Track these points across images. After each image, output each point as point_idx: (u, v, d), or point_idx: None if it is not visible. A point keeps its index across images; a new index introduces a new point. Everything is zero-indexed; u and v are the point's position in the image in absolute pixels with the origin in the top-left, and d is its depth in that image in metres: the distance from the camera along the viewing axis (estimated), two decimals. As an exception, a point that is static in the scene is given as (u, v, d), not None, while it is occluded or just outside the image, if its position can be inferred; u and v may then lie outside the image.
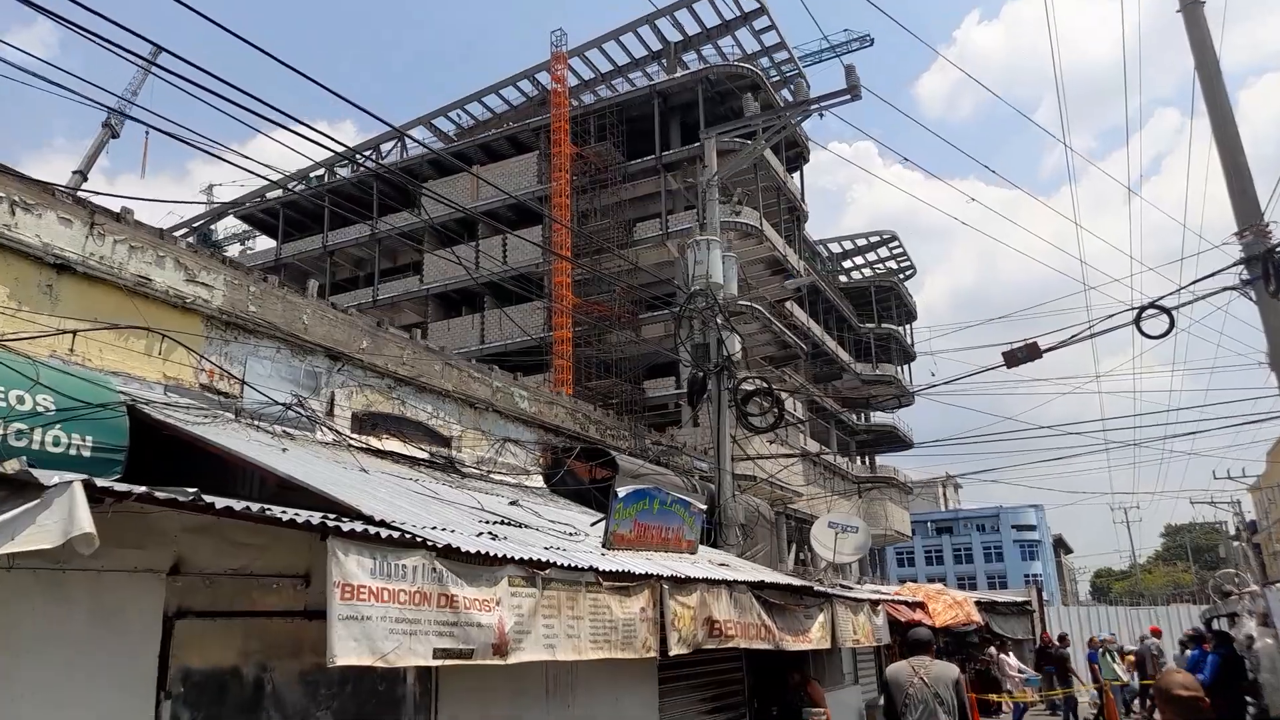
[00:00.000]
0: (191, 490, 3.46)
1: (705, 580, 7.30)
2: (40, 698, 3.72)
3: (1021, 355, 11.64)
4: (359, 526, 4.18)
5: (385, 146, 42.37)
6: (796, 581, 9.75)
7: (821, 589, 10.00)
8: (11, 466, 3.38)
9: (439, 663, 4.57)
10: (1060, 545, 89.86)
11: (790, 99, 35.97)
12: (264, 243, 47.26)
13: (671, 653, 6.69)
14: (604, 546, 7.05)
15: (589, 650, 5.76)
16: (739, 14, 35.66)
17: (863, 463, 49.02)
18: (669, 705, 8.32)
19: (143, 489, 3.29)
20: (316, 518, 4.01)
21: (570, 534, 7.36)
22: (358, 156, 30.99)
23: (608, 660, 6.04)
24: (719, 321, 12.64)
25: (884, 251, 51.57)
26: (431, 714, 5.65)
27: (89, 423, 5.52)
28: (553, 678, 6.71)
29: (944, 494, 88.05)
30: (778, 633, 8.44)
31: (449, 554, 4.75)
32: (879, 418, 49.98)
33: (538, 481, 11.26)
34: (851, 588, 13.53)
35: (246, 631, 4.60)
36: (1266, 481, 38.33)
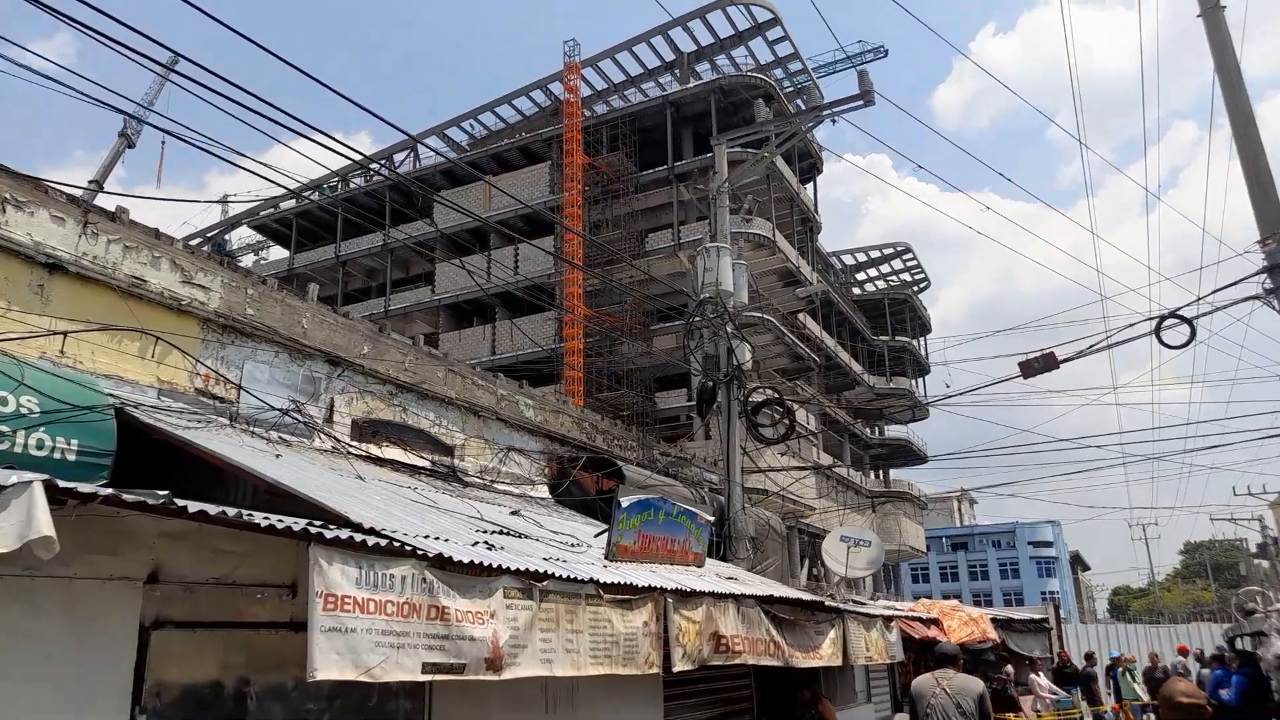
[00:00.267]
0: (163, 493, 3.28)
1: (711, 594, 7.07)
2: (6, 712, 3.54)
3: (1039, 365, 11.38)
4: (344, 534, 3.99)
5: (398, 157, 42.44)
6: (807, 596, 9.50)
7: (833, 604, 9.74)
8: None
9: (428, 677, 4.37)
10: (1077, 562, 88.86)
11: (804, 108, 35.90)
12: (277, 253, 47.40)
13: (675, 669, 6.46)
14: (606, 558, 6.84)
15: (588, 666, 5.54)
16: (753, 24, 35.59)
17: (877, 477, 48.58)
18: (674, 722, 8.09)
19: (109, 491, 3.11)
20: (299, 524, 3.82)
21: (572, 545, 7.15)
22: (371, 166, 31.04)
23: (610, 675, 5.82)
24: (729, 330, 12.42)
25: (898, 264, 51.28)
26: (425, 730, 5.44)
27: (75, 426, 5.36)
28: (552, 692, 6.48)
29: (959, 510, 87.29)
30: (787, 649, 8.19)
31: (441, 564, 4.56)
32: (893, 431, 49.57)
33: (543, 492, 11.06)
34: (864, 603, 13.24)
35: (228, 643, 4.40)
36: (1288, 498, 37.70)
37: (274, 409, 7.43)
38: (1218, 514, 42.29)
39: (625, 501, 7.00)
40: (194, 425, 6.30)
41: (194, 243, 41.50)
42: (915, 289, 51.12)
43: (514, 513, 8.14)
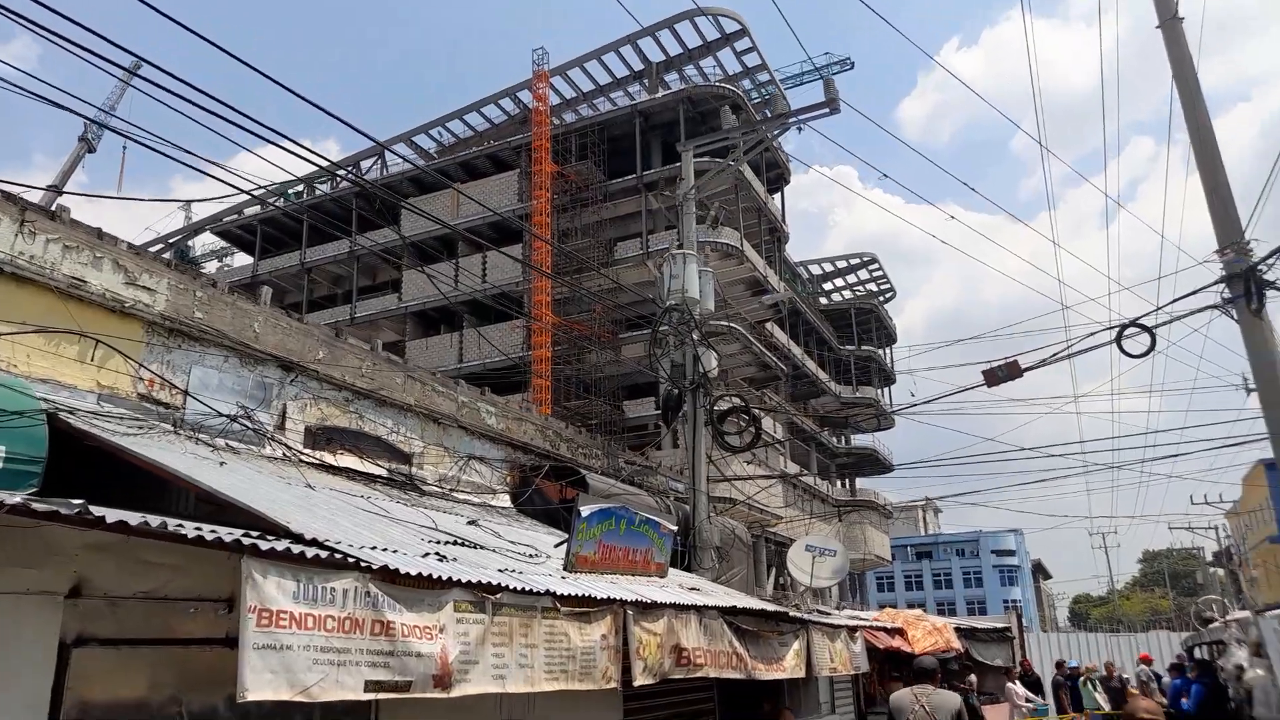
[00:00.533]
0: (78, 502, 3.07)
1: (673, 605, 6.92)
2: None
3: (1002, 374, 11.37)
4: (281, 545, 3.79)
5: (365, 164, 42.03)
6: (771, 607, 9.37)
7: (797, 615, 9.62)
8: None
9: (371, 696, 4.17)
10: (1039, 570, 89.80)
11: (770, 117, 36.03)
12: (241, 259, 46.73)
13: (636, 683, 6.30)
14: (565, 569, 6.66)
15: (543, 681, 5.36)
16: (721, 35, 35.71)
17: (843, 486, 48.75)
18: (635, 737, 7.91)
19: (16, 499, 2.90)
20: (231, 534, 3.62)
21: (530, 556, 6.97)
22: (338, 173, 30.67)
23: (568, 690, 5.65)
24: (694, 337, 12.31)
25: (864, 274, 51.61)
26: (372, 749, 5.22)
27: (4, 432, 5.11)
28: (507, 706, 6.28)
29: (924, 518, 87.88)
30: (750, 661, 8.05)
31: (387, 576, 4.37)
32: (859, 440, 49.81)
33: (505, 501, 10.85)
34: (829, 613, 13.16)
35: (158, 661, 4.17)
36: (1244, 506, 38.29)
37: (221, 415, 7.18)
38: (1176, 523, 42.88)
39: (585, 510, 6.83)
40: (133, 432, 6.05)
41: (156, 249, 40.86)
42: (881, 299, 51.47)
43: (471, 522, 7.93)
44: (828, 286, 52.26)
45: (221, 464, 6.11)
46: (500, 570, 5.63)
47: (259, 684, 3.62)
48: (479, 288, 31.55)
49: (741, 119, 30.37)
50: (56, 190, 42.61)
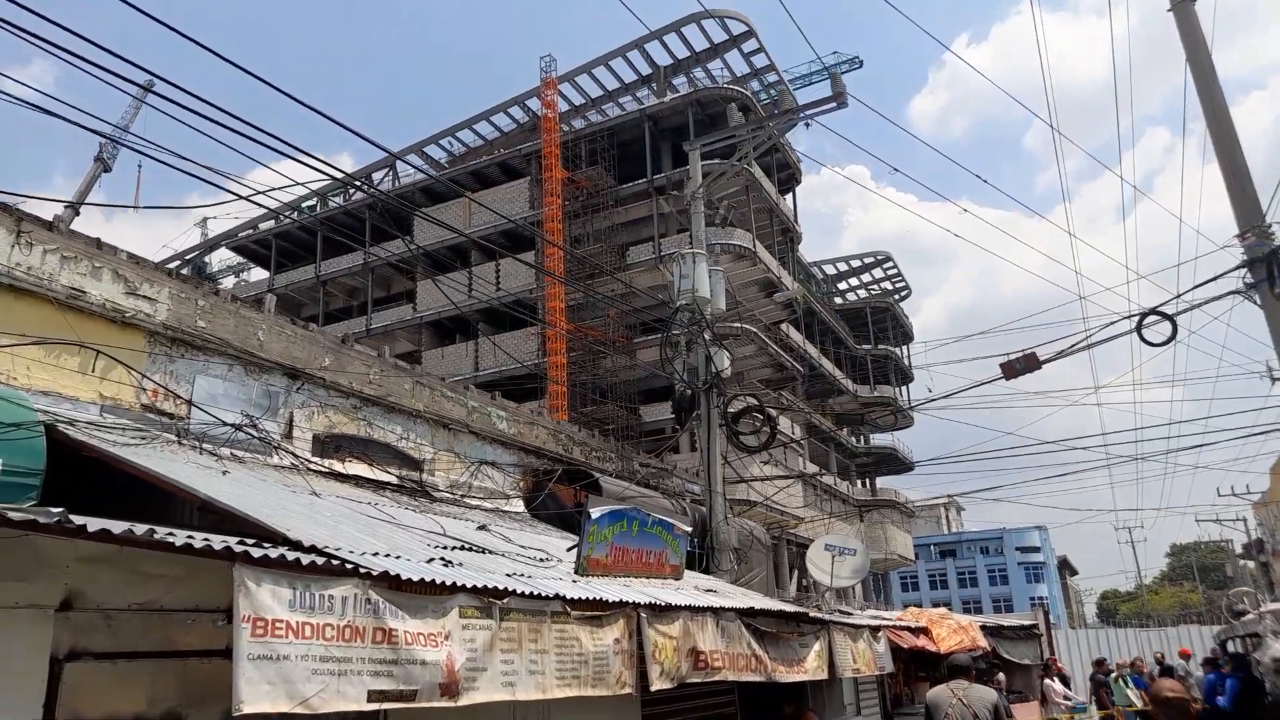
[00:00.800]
0: (57, 510, 2.97)
1: (688, 608, 6.77)
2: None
3: (1020, 366, 11.16)
4: (275, 552, 3.67)
5: (377, 175, 42.15)
6: (790, 608, 9.20)
7: (817, 615, 9.44)
8: None
9: (374, 706, 4.04)
10: (1065, 567, 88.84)
11: (786, 127, 35.84)
12: (258, 274, 46.97)
13: (653, 687, 6.15)
14: (577, 573, 6.53)
15: (555, 688, 5.23)
16: (728, 37, 35.58)
17: (864, 486, 48.39)
18: (654, 743, 7.75)
19: (-8, 508, 2.79)
20: (221, 542, 3.51)
21: (541, 560, 6.84)
22: (351, 185, 30.76)
23: (583, 696, 5.51)
24: (706, 337, 12.16)
25: (879, 273, 51.26)
26: (383, 761, 5.10)
27: (2, 444, 5.02)
28: (521, 713, 6.15)
29: (947, 517, 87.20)
30: (770, 663, 7.89)
31: (389, 583, 4.25)
32: (879, 439, 49.45)
33: (518, 506, 10.73)
34: (851, 613, 12.95)
35: (155, 674, 4.07)
36: (1272, 497, 37.68)
37: (226, 424, 7.09)
38: (1203, 515, 42.26)
39: (596, 512, 6.70)
40: (135, 442, 5.96)
41: (173, 265, 41.11)
42: (897, 297, 51.11)
43: (481, 527, 7.81)
44: (842, 286, 51.94)
45: (224, 473, 6.02)
46: (508, 575, 5.50)
47: (255, 696, 3.51)
48: (493, 296, 31.53)
49: (750, 119, 30.22)
50: (75, 207, 42.98)
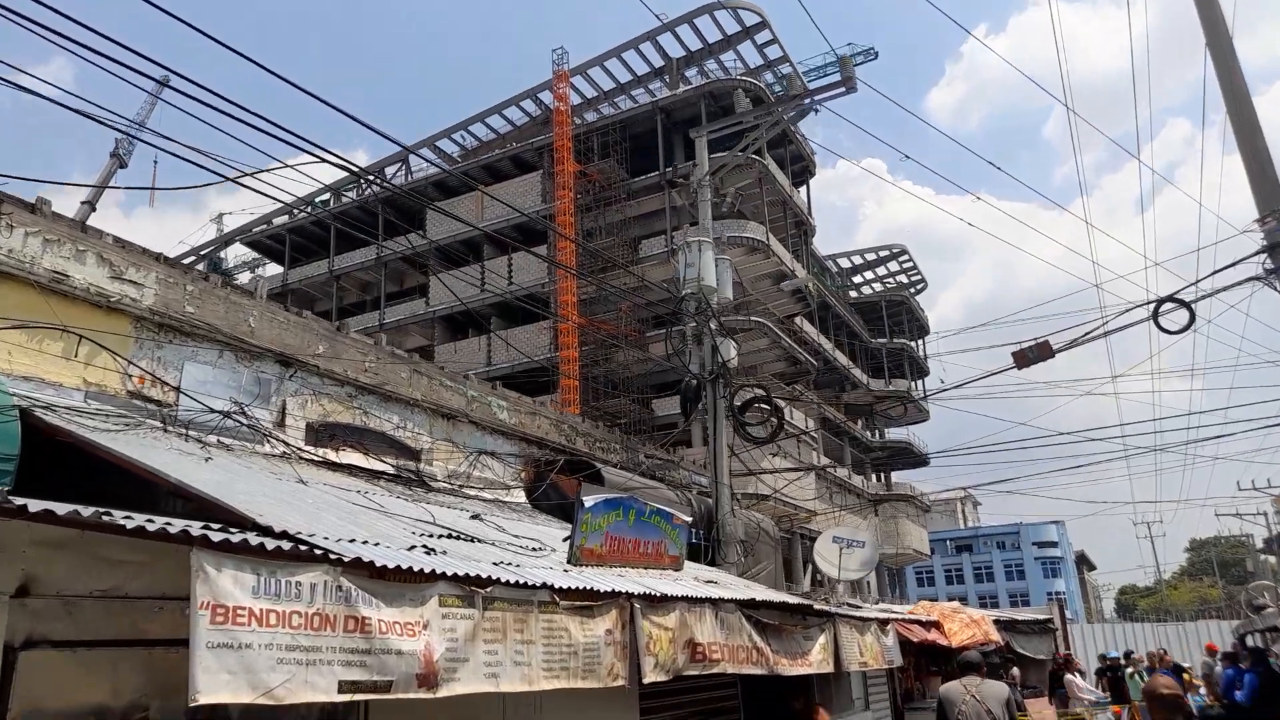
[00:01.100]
0: (-5, 489, 2.83)
1: (685, 598, 6.59)
2: None
3: (1032, 355, 10.92)
4: (237, 536, 3.53)
5: (389, 170, 42.14)
6: (793, 599, 9.02)
7: (822, 608, 9.25)
8: None
9: (346, 697, 3.89)
10: (1083, 562, 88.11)
11: (795, 114, 35.54)
12: (273, 269, 47.12)
13: (646, 680, 5.98)
14: (569, 562, 6.37)
15: (542, 679, 5.06)
16: (741, 28, 35.27)
17: (878, 480, 48.05)
18: (652, 737, 7.59)
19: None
20: (179, 525, 3.36)
21: (534, 549, 6.68)
22: (363, 180, 30.75)
23: (576, 689, 5.36)
24: (712, 327, 11.97)
25: (894, 265, 50.86)
26: (364, 754, 4.96)
27: (-25, 429, 4.91)
28: (512, 707, 6.00)
29: (963, 512, 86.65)
30: (772, 656, 7.71)
31: (363, 569, 4.09)
32: (894, 433, 49.10)
33: (519, 497, 10.58)
34: (860, 606, 12.75)
35: (118, 664, 3.93)
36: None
37: (214, 411, 6.98)
38: (1223, 509, 41.71)
39: (589, 501, 6.53)
40: (117, 429, 5.84)
41: (189, 261, 41.26)
42: (912, 291, 50.69)
43: (475, 517, 7.66)
44: (857, 280, 51.58)
45: (207, 459, 5.89)
46: (495, 564, 5.35)
47: (214, 686, 3.36)
48: (505, 290, 31.45)
49: (759, 109, 29.96)
50: (90, 207, 43.21)
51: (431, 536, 5.69)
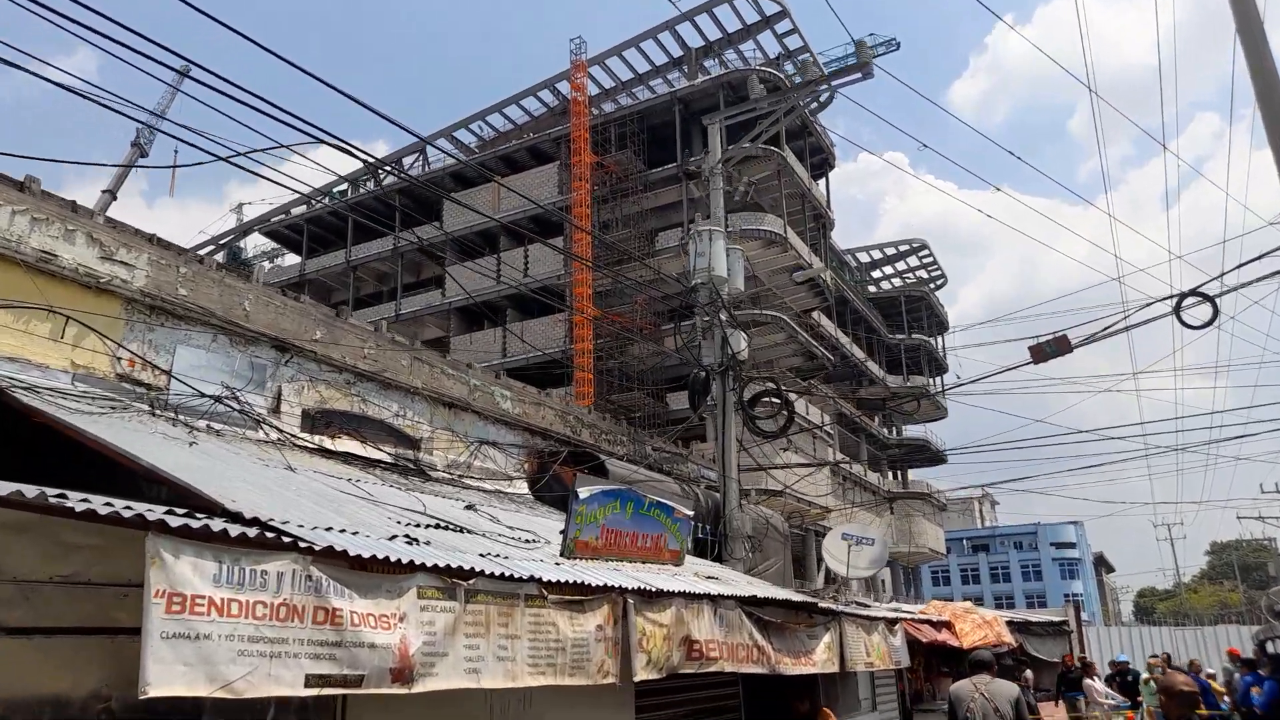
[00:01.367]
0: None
1: (683, 594, 6.42)
2: None
3: (1050, 350, 10.66)
4: (197, 522, 3.38)
5: (407, 160, 42.11)
6: (796, 597, 8.83)
7: (827, 606, 9.06)
8: None
9: (313, 692, 3.74)
10: (1101, 563, 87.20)
11: (816, 106, 35.18)
12: (291, 259, 47.25)
13: (638, 677, 5.82)
14: (562, 555, 6.20)
15: (526, 676, 4.91)
16: (761, 17, 34.87)
17: (895, 478, 47.65)
18: (648, 737, 7.42)
19: None
20: (134, 508, 3.22)
21: (527, 541, 6.53)
22: (381, 170, 30.72)
23: (566, 686, 5.20)
24: (722, 318, 11.77)
25: (914, 260, 50.31)
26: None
27: (-50, 409, 4.80)
28: (500, 704, 5.85)
29: (980, 512, 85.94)
30: (774, 655, 7.53)
31: (341, 560, 3.95)
32: (911, 430, 48.65)
33: (521, 488, 10.43)
34: (868, 605, 12.53)
35: (79, 652, 3.80)
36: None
37: (204, 396, 6.85)
38: (1244, 512, 41.08)
39: (584, 492, 6.36)
40: (102, 412, 5.73)
41: (207, 250, 41.45)
42: (932, 286, 50.15)
43: (469, 507, 7.52)
44: (877, 274, 51.08)
45: (191, 444, 5.77)
46: (481, 555, 5.19)
47: (168, 677, 3.22)
48: (521, 282, 31.33)
49: (776, 95, 29.66)
50: (111, 196, 43.44)
51: (418, 526, 5.54)
